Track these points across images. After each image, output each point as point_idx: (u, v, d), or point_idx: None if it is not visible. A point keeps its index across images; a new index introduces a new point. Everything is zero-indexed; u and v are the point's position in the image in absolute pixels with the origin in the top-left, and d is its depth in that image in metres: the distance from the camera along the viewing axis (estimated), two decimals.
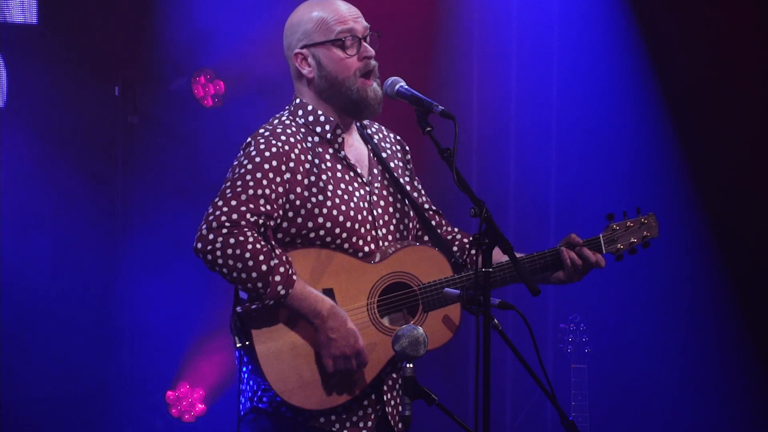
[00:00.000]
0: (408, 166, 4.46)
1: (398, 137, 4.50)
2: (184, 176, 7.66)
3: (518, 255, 4.22)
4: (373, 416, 4.19)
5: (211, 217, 4.00)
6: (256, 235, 4.00)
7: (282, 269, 4.00)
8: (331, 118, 4.24)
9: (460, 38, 8.26)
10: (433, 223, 4.45)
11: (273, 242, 4.06)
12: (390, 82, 4.18)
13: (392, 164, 4.37)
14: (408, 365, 3.74)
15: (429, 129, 4.04)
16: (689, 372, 7.78)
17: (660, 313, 7.85)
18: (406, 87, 4.15)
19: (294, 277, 4.02)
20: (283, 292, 4.00)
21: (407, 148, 4.50)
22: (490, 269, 3.74)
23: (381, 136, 4.43)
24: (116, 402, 7.56)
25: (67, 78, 7.38)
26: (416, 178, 4.47)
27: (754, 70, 7.55)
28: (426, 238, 4.38)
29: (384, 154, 4.36)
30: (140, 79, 7.69)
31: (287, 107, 4.30)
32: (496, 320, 3.79)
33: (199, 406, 7.79)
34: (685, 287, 7.81)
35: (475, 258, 3.75)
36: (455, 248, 4.44)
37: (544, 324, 8.07)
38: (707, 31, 7.63)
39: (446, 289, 4.11)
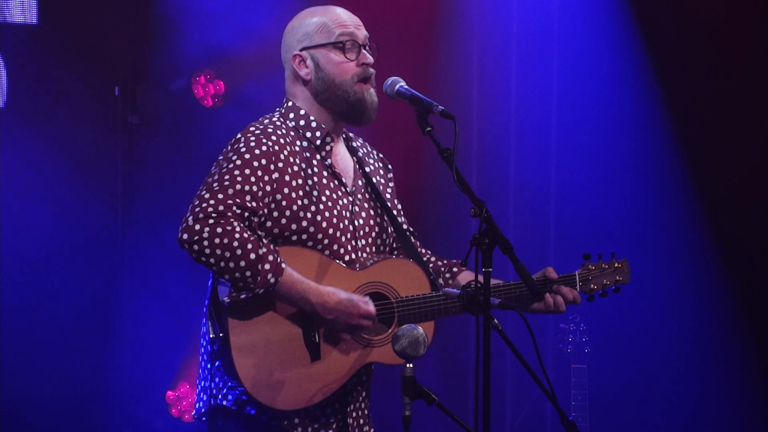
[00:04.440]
0: (390, 185, 4.47)
1: (381, 155, 4.52)
2: (184, 176, 7.66)
3: (499, 281, 4.27)
4: (334, 425, 4.19)
5: (197, 209, 3.99)
6: (242, 225, 4.00)
7: (271, 257, 3.99)
8: (323, 126, 4.25)
9: (460, 38, 8.25)
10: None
11: (259, 233, 4.06)
12: (390, 82, 4.18)
13: (375, 179, 4.38)
14: (408, 365, 3.74)
15: (429, 129, 4.05)
16: (689, 372, 7.78)
17: (660, 313, 7.85)
18: (406, 87, 4.15)
19: (283, 266, 4.01)
20: (272, 280, 3.99)
21: (390, 166, 4.52)
22: (490, 269, 3.75)
23: (365, 151, 4.45)
24: (116, 402, 7.56)
25: (67, 78, 7.38)
26: (396, 197, 4.47)
27: (755, 69, 7.55)
28: (400, 256, 4.38)
29: (368, 168, 4.37)
30: (140, 79, 7.69)
31: (278, 109, 4.30)
32: (496, 320, 3.79)
33: None
34: (686, 287, 7.81)
35: (474, 258, 3.75)
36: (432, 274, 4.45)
37: (544, 324, 8.06)
38: (708, 30, 7.62)
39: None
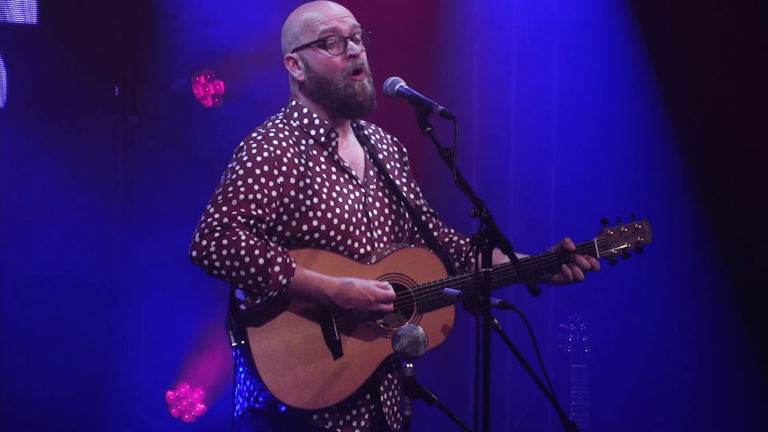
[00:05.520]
0: (405, 168, 4.46)
1: (395, 139, 4.50)
2: (184, 176, 7.66)
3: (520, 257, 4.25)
4: (366, 416, 4.20)
5: (203, 224, 4.02)
6: (248, 233, 4.01)
7: (280, 259, 4.01)
8: (326, 122, 4.25)
9: (460, 38, 8.25)
10: (430, 225, 4.47)
11: (266, 237, 4.07)
12: (390, 82, 4.18)
13: (389, 166, 4.38)
14: (408, 365, 3.74)
15: (429, 129, 4.05)
16: (689, 372, 7.78)
17: (660, 313, 7.85)
18: (406, 87, 4.15)
19: (293, 265, 4.02)
20: (284, 281, 4.00)
21: (405, 149, 4.51)
22: (490, 269, 3.74)
23: (378, 137, 4.44)
24: (116, 402, 7.56)
25: (67, 78, 7.38)
26: (413, 180, 4.47)
27: (755, 69, 7.54)
28: (422, 240, 4.38)
29: (380, 156, 4.37)
30: (140, 79, 7.69)
31: (282, 109, 4.31)
32: (496, 320, 3.79)
33: (199, 406, 7.79)
34: (686, 287, 7.81)
35: (474, 258, 3.75)
36: (452, 250, 4.46)
37: (544, 324, 8.07)
38: (708, 30, 7.62)
39: (446, 289, 4.11)
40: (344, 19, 4.24)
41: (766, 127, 7.54)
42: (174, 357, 7.76)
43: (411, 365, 3.74)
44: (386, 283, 4.12)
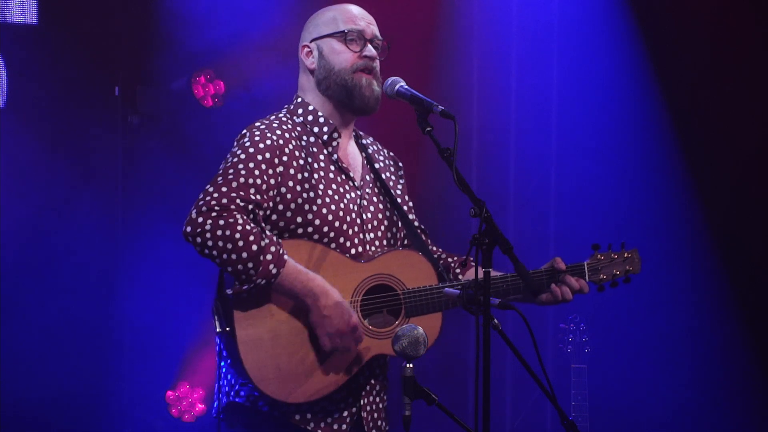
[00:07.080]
0: (401, 181, 4.49)
1: (392, 153, 4.55)
2: (184, 176, 7.66)
3: (504, 273, 4.27)
4: (348, 419, 4.20)
5: (201, 202, 4.02)
6: (245, 217, 4.01)
7: (273, 248, 4.01)
8: (330, 121, 4.28)
9: (460, 38, 8.26)
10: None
11: (263, 225, 4.07)
12: (390, 82, 4.21)
13: (384, 176, 4.40)
14: (408, 365, 3.74)
15: (429, 129, 4.06)
16: (689, 372, 7.78)
17: (660, 313, 7.85)
18: (406, 87, 4.17)
19: (285, 257, 4.02)
20: (274, 271, 4.00)
21: (401, 164, 4.54)
22: (490, 269, 3.75)
23: (376, 148, 4.48)
24: (116, 402, 7.55)
25: (67, 78, 7.38)
26: (407, 194, 4.49)
27: (755, 69, 7.54)
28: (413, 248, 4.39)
29: (377, 165, 4.39)
30: (140, 79, 7.69)
31: (286, 106, 4.33)
32: (496, 320, 3.79)
33: (199, 406, 7.79)
34: (686, 287, 7.81)
35: (474, 259, 3.75)
36: (440, 268, 4.46)
37: (544, 324, 8.07)
38: (708, 30, 7.62)
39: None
40: (370, 25, 4.32)
41: (766, 127, 7.54)
42: (174, 357, 7.75)
43: (411, 365, 3.74)
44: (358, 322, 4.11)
